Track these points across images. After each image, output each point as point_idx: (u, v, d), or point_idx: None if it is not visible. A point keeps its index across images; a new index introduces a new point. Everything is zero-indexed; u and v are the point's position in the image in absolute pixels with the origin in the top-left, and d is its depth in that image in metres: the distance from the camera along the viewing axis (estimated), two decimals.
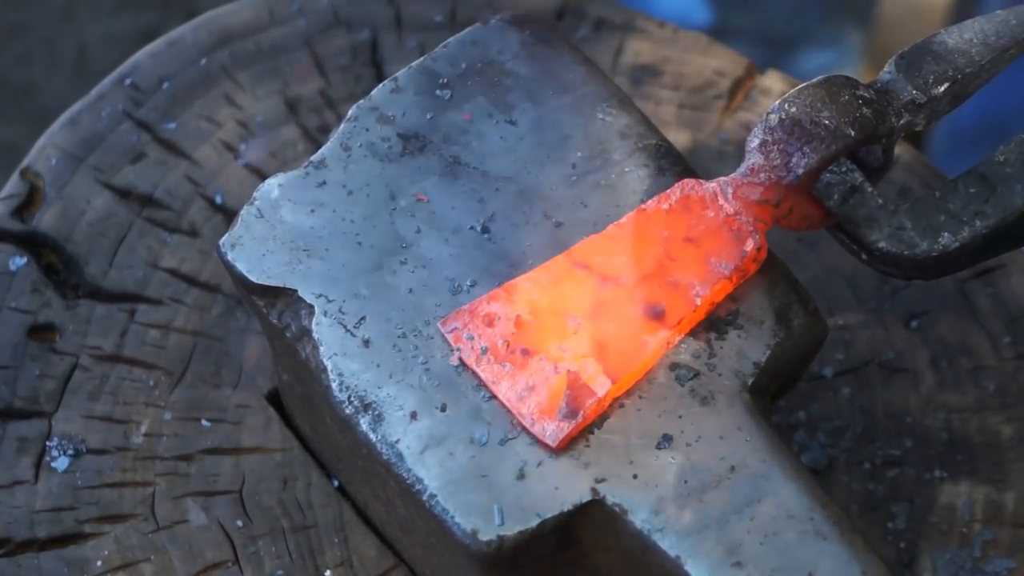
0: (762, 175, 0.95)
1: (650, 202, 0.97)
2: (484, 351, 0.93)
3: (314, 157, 1.00)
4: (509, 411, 0.92)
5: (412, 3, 1.26)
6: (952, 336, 1.15)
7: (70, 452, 1.07)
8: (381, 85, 1.02)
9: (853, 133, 0.95)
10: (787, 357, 0.96)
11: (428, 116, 1.01)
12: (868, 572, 0.89)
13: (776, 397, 1.02)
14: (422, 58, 1.03)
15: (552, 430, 0.91)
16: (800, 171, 0.95)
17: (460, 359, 0.93)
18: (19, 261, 1.13)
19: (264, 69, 1.22)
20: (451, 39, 1.04)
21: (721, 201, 0.96)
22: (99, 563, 1.04)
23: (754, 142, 0.96)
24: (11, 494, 1.06)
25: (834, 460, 1.11)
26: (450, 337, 0.94)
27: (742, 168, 0.96)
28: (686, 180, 0.97)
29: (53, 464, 1.06)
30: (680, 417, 0.93)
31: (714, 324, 0.96)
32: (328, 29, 1.25)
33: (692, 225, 0.96)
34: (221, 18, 1.24)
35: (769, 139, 0.95)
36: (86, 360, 1.11)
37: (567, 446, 0.91)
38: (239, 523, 1.06)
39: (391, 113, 1.01)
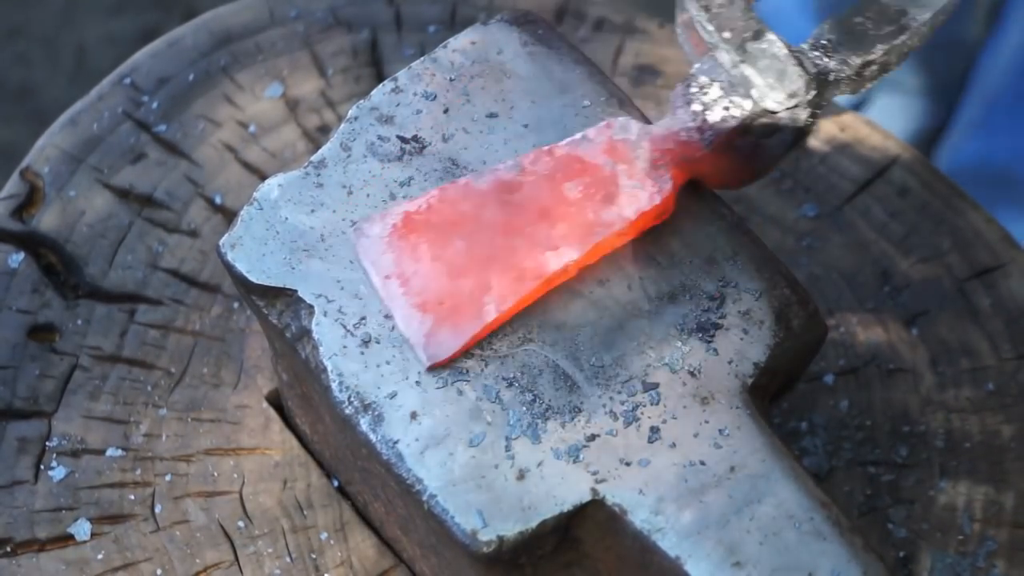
0: (682, 132, 0.96)
1: (579, 135, 0.97)
2: (388, 273, 0.94)
3: (314, 157, 1.00)
4: (402, 333, 0.93)
5: (412, 3, 1.26)
6: (952, 336, 1.15)
7: (67, 459, 1.07)
8: (381, 85, 1.02)
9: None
10: (787, 357, 0.97)
11: (428, 116, 1.01)
12: (868, 572, 0.89)
13: (776, 397, 1.02)
14: (422, 58, 1.03)
15: (431, 352, 0.92)
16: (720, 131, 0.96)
17: (368, 277, 0.95)
18: (17, 258, 1.13)
19: (264, 69, 1.22)
20: (451, 39, 1.04)
21: (643, 144, 0.96)
22: (99, 563, 1.04)
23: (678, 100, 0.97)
24: (11, 494, 1.06)
25: (835, 463, 1.11)
26: (359, 250, 0.95)
27: (666, 118, 0.97)
28: (611, 120, 0.98)
29: (50, 473, 1.06)
30: (680, 417, 0.93)
31: (713, 324, 0.96)
32: (328, 29, 1.25)
33: (610, 163, 0.96)
34: (221, 18, 1.24)
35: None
36: (86, 360, 1.11)
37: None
38: (239, 523, 1.06)
39: (391, 113, 1.01)
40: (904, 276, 1.18)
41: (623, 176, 0.96)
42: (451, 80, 1.02)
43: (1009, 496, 1.09)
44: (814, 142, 1.23)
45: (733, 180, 0.99)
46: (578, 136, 0.97)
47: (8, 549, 1.04)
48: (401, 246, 0.95)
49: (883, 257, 1.18)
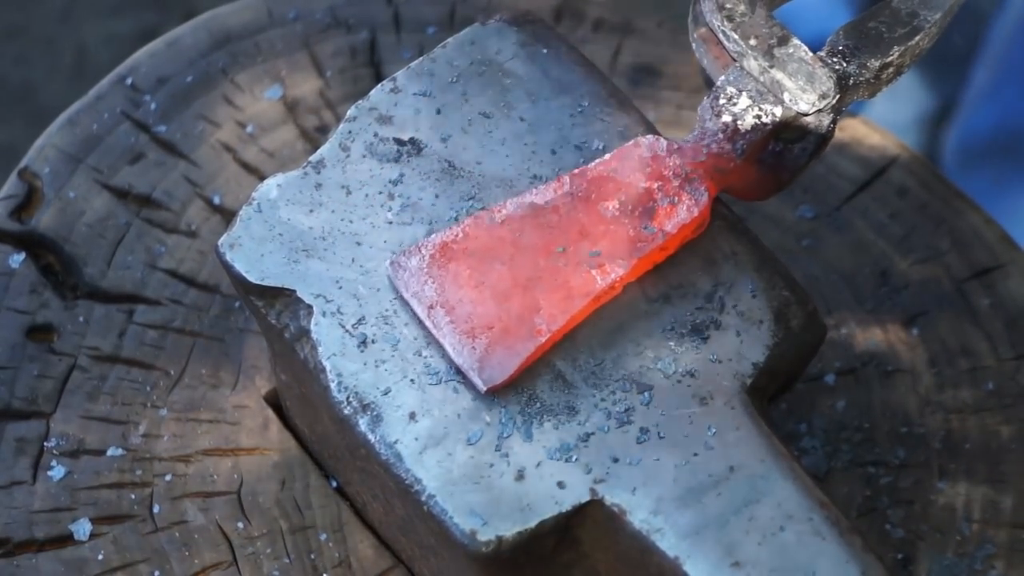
0: (714, 144, 0.97)
1: (607, 156, 0.97)
2: (432, 303, 0.93)
3: (313, 157, 1.00)
4: (449, 358, 0.93)
5: (411, 4, 1.26)
6: (951, 337, 1.15)
7: (65, 459, 1.07)
8: (380, 85, 1.02)
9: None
10: (786, 357, 0.97)
11: (427, 116, 1.01)
12: (867, 572, 0.89)
13: (775, 398, 1.02)
14: (421, 58, 1.03)
15: (487, 375, 0.92)
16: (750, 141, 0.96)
17: (408, 307, 0.94)
18: (18, 258, 1.13)
19: (263, 69, 1.22)
20: (450, 39, 1.04)
21: (674, 160, 0.97)
22: (97, 564, 1.04)
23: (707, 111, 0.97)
24: (9, 494, 1.06)
25: (833, 464, 1.11)
26: (399, 284, 0.94)
27: (695, 132, 0.98)
28: (639, 139, 0.98)
29: (49, 474, 1.06)
30: (678, 418, 0.93)
31: (712, 324, 0.95)
32: (327, 29, 1.25)
33: (644, 180, 0.97)
34: (220, 18, 1.24)
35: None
36: (84, 360, 1.11)
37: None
38: (237, 524, 1.06)
39: (390, 113, 1.01)
40: (903, 276, 1.18)
41: (658, 192, 0.96)
42: (450, 81, 1.02)
43: (1008, 497, 1.09)
44: None
45: (760, 192, 0.99)
46: (607, 156, 0.97)
47: (6, 550, 1.04)
48: (442, 275, 0.94)
49: (882, 257, 1.18)
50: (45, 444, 1.08)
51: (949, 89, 1.97)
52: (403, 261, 0.95)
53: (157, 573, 1.04)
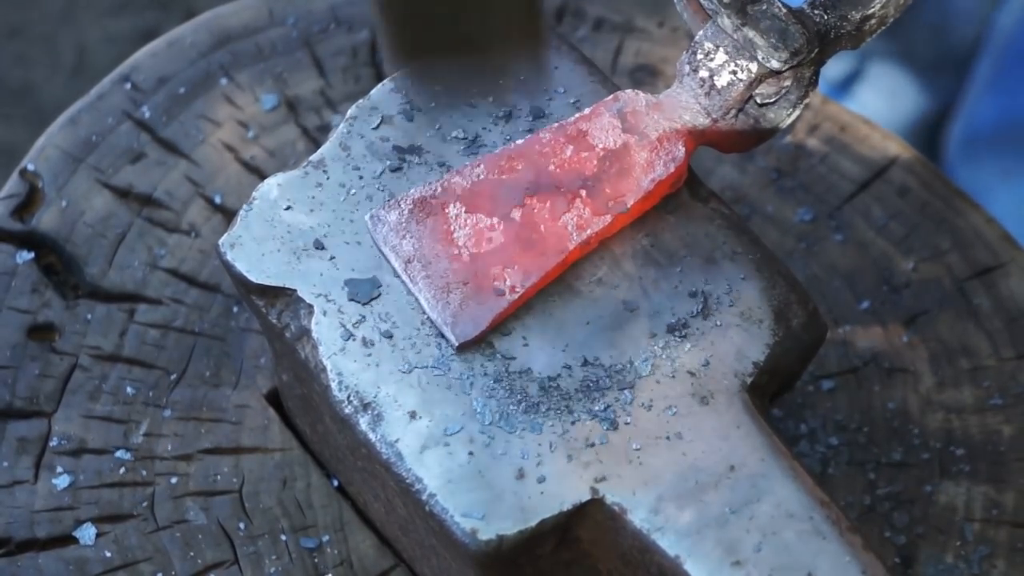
0: (691, 99, 0.97)
1: (587, 110, 0.98)
2: (409, 257, 0.94)
3: (313, 157, 1.00)
4: (425, 312, 0.94)
5: None
6: (951, 336, 1.15)
7: (67, 459, 1.07)
8: (380, 85, 1.02)
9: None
10: (786, 356, 0.97)
11: (427, 116, 1.01)
12: (867, 571, 0.89)
13: (775, 397, 1.02)
14: None
15: (460, 331, 0.93)
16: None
17: (388, 263, 0.95)
18: (26, 255, 1.13)
19: (264, 69, 1.22)
20: None
21: (652, 115, 0.97)
22: (99, 563, 1.04)
23: (685, 68, 0.98)
24: (11, 494, 1.06)
25: (833, 464, 1.11)
26: (376, 237, 0.95)
27: (673, 88, 0.98)
28: (618, 93, 0.99)
29: (54, 481, 1.06)
30: (679, 417, 0.93)
31: (713, 323, 0.96)
32: (327, 29, 1.25)
33: (622, 135, 0.97)
34: (221, 18, 1.24)
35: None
36: (86, 360, 1.11)
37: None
38: (239, 523, 1.06)
39: (390, 113, 1.01)
40: (904, 276, 1.18)
41: (635, 147, 0.96)
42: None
43: (1009, 496, 1.09)
44: (813, 142, 1.23)
45: (741, 145, 0.99)
46: (587, 111, 0.98)
47: (8, 549, 1.04)
48: (419, 230, 0.95)
49: (883, 257, 1.18)
50: (47, 444, 1.08)
51: (949, 89, 1.97)
52: (382, 215, 0.96)
53: (159, 573, 1.04)
